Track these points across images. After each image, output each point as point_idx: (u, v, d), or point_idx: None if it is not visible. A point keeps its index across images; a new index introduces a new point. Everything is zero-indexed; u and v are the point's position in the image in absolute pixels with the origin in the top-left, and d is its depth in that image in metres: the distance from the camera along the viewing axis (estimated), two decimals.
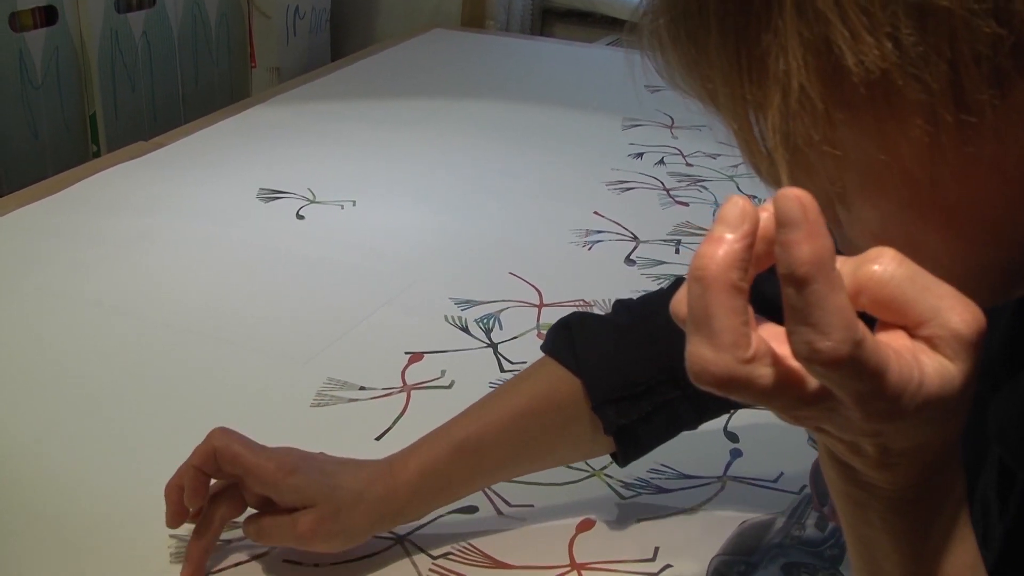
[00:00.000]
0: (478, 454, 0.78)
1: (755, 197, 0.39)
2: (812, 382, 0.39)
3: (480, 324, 1.11)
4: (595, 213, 1.39)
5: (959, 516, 0.45)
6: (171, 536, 0.80)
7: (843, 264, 0.39)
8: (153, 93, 2.13)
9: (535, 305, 1.16)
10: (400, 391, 0.99)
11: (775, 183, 0.46)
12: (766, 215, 0.39)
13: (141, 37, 2.08)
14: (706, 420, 0.81)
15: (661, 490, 0.88)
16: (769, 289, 0.46)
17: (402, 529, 0.82)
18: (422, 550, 0.80)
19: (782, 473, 0.90)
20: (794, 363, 0.38)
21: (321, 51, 2.51)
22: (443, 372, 1.02)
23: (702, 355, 0.38)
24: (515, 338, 1.08)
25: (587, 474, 0.89)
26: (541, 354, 0.82)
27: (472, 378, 1.01)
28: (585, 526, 0.84)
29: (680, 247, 1.30)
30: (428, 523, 0.83)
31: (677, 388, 0.78)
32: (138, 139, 1.63)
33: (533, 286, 1.19)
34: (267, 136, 1.62)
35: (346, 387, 0.99)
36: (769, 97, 0.43)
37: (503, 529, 0.83)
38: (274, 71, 2.33)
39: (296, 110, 1.75)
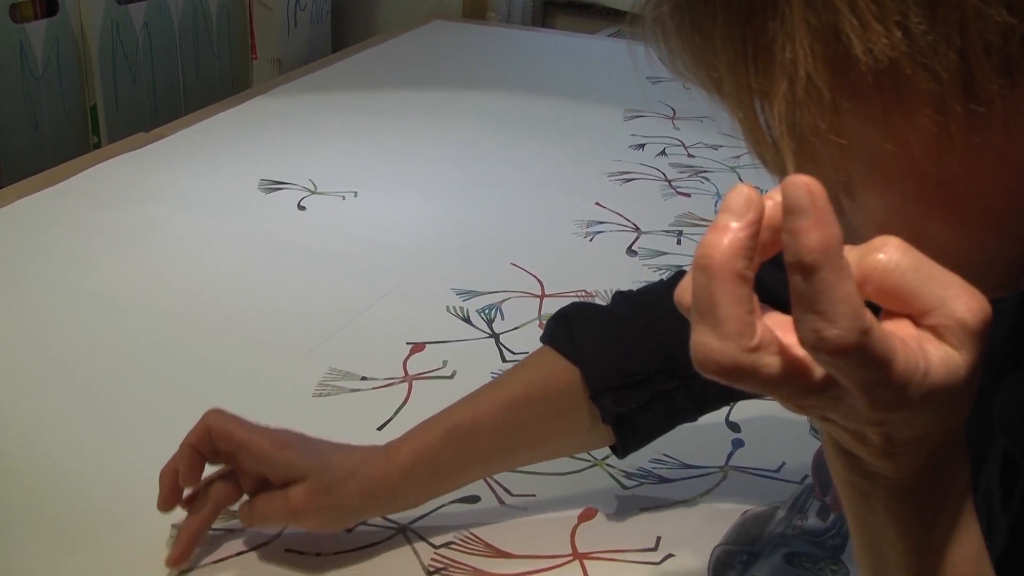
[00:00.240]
0: (471, 439, 0.78)
1: (758, 188, 0.39)
2: (817, 371, 0.39)
3: (482, 314, 1.11)
4: (597, 204, 1.38)
5: (964, 505, 0.45)
6: (172, 526, 0.80)
7: (848, 252, 0.39)
8: (154, 84, 2.12)
9: (537, 296, 1.15)
10: (402, 381, 0.99)
11: (780, 173, 0.46)
12: (771, 203, 0.39)
13: (142, 28, 2.07)
14: (706, 412, 0.81)
15: (663, 480, 0.88)
16: (768, 279, 0.46)
17: (404, 519, 0.82)
18: (424, 539, 0.80)
19: (784, 463, 0.90)
20: (799, 351, 0.38)
21: (322, 42, 2.51)
22: (445, 362, 1.02)
23: (707, 344, 0.38)
24: (517, 328, 1.08)
25: (589, 464, 0.89)
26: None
27: (474, 368, 1.01)
28: (587, 516, 0.84)
29: (682, 238, 1.30)
30: (430, 512, 0.83)
31: (676, 379, 0.77)
32: (139, 130, 1.63)
33: (535, 276, 1.19)
34: (268, 127, 1.62)
35: (348, 377, 0.99)
36: (775, 86, 0.43)
37: (505, 519, 0.83)
38: (275, 62, 2.33)
39: (297, 101, 1.75)
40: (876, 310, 0.38)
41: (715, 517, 0.84)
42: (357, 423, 0.93)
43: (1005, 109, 0.40)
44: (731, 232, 0.38)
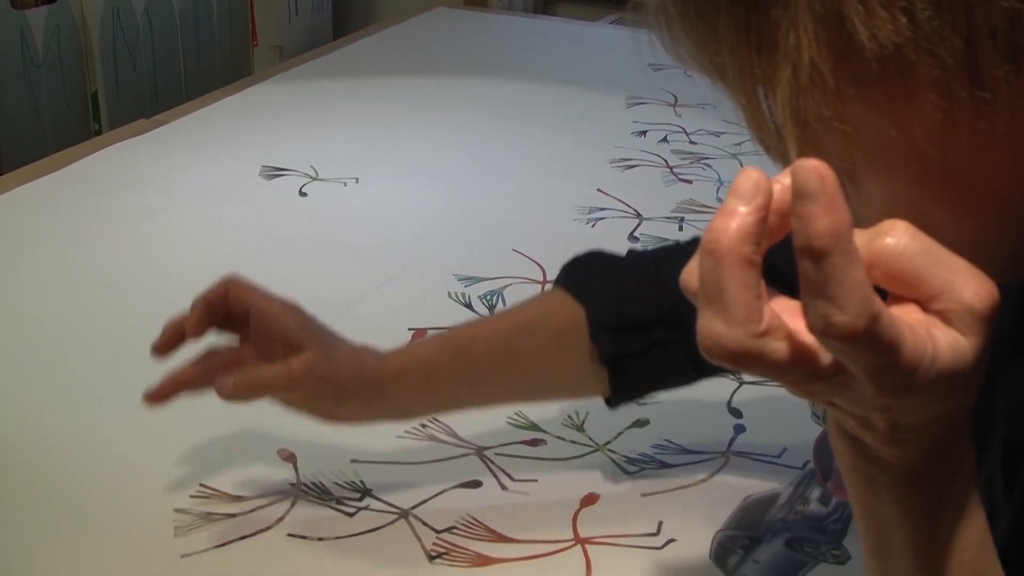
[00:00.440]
0: (466, 354, 0.78)
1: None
2: (825, 356, 0.38)
3: (484, 300, 1.11)
4: (598, 190, 1.38)
5: (969, 491, 0.45)
6: (175, 511, 0.80)
7: (856, 237, 0.39)
8: (155, 71, 2.12)
9: (538, 282, 1.15)
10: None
11: (783, 160, 0.45)
12: (779, 187, 0.39)
13: (143, 15, 2.07)
14: (704, 375, 0.80)
15: (664, 465, 0.88)
16: (776, 261, 0.46)
17: (406, 504, 0.82)
18: (426, 524, 0.80)
19: (785, 448, 0.90)
20: (807, 337, 0.38)
21: (323, 29, 2.50)
22: None
23: (714, 329, 0.38)
24: None
25: (590, 449, 0.89)
26: None
27: None
28: (589, 501, 0.84)
29: (683, 224, 1.29)
30: (432, 498, 0.83)
31: (677, 332, 0.77)
32: (139, 117, 1.63)
33: (536, 263, 1.19)
34: (269, 114, 1.62)
35: None
36: (779, 72, 0.42)
37: (507, 503, 0.83)
38: (276, 49, 2.33)
39: (298, 88, 1.74)
40: (882, 294, 0.38)
41: (717, 502, 0.84)
42: None
43: (1011, 95, 0.40)
44: (739, 216, 0.38)
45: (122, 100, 2.04)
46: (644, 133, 1.59)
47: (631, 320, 0.78)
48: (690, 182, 1.42)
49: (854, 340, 0.36)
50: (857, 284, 0.36)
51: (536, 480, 0.86)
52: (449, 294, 1.12)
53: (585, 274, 0.82)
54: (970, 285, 0.39)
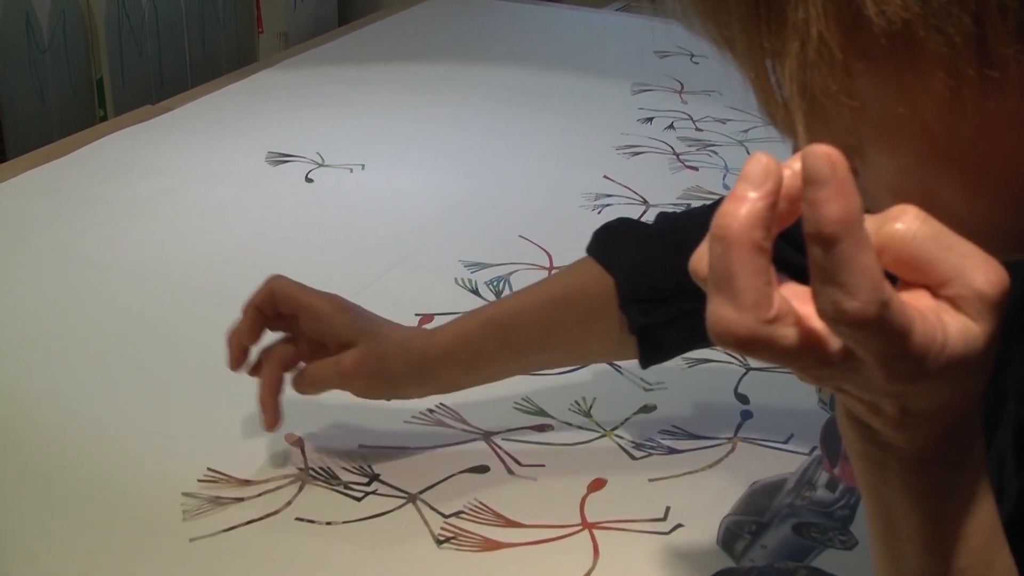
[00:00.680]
0: (507, 329, 0.83)
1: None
2: (835, 342, 0.38)
3: (490, 286, 1.11)
4: (604, 177, 1.38)
5: (978, 477, 0.45)
6: (183, 495, 0.81)
7: (865, 222, 0.39)
8: (160, 58, 2.12)
9: (545, 268, 1.15)
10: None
11: (791, 133, 0.45)
12: (789, 173, 0.39)
13: (148, 1, 2.07)
14: None
15: (672, 451, 0.88)
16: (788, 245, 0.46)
17: (414, 488, 0.82)
18: (434, 508, 0.81)
19: (792, 435, 0.90)
20: (816, 323, 0.38)
21: (328, 16, 2.50)
22: None
23: (724, 315, 0.38)
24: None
25: (598, 435, 0.90)
26: None
27: None
28: (596, 486, 0.84)
29: None
30: (440, 482, 0.83)
31: (702, 299, 0.78)
32: (145, 104, 1.63)
33: (543, 249, 1.19)
34: (275, 100, 1.62)
35: None
36: (787, 46, 0.42)
37: (514, 488, 0.83)
38: (281, 36, 2.33)
39: (304, 75, 1.74)
40: (892, 280, 0.38)
41: (724, 488, 0.84)
42: None
43: (1020, 74, 0.40)
44: (749, 202, 0.38)
45: (127, 86, 2.04)
46: (650, 120, 1.59)
47: (658, 291, 0.81)
48: (696, 169, 1.42)
49: (864, 326, 0.36)
50: (867, 270, 0.36)
51: (543, 465, 0.86)
52: (456, 280, 1.12)
53: (614, 244, 0.84)
54: (981, 270, 0.39)
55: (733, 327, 0.38)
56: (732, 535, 0.79)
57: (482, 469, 0.85)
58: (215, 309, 1.05)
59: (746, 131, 1.54)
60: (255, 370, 0.84)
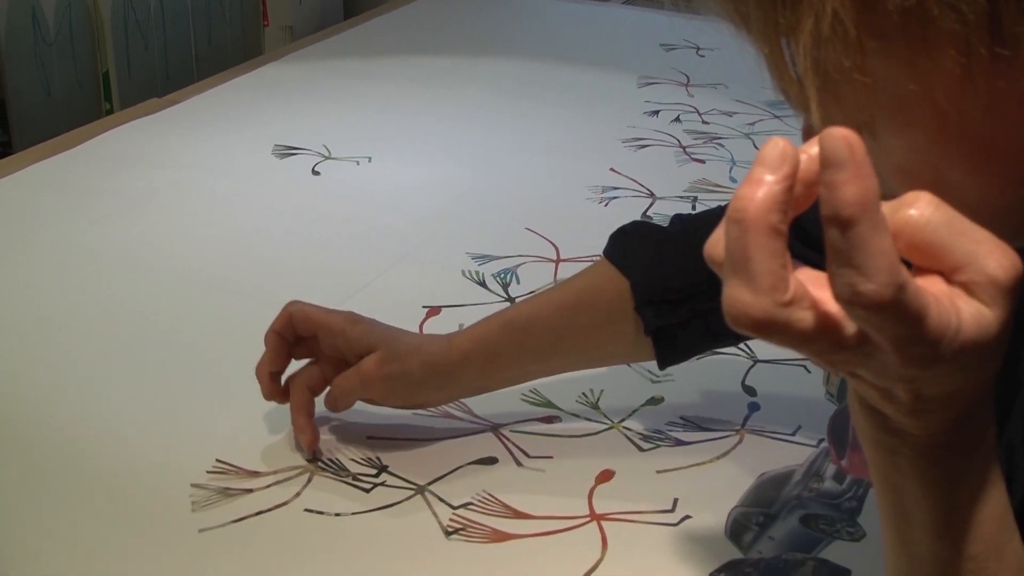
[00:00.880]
0: (526, 332, 0.84)
1: None
2: (850, 326, 0.38)
3: (497, 279, 1.11)
4: (611, 170, 1.38)
5: (990, 463, 0.45)
6: (192, 486, 0.81)
7: None
8: (166, 51, 2.12)
9: (552, 260, 1.15)
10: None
11: (804, 109, 0.45)
12: (805, 157, 0.39)
13: None
14: (747, 338, 0.82)
15: (679, 443, 0.88)
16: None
17: (422, 480, 0.82)
18: (443, 500, 0.81)
19: (799, 426, 0.90)
20: (832, 307, 0.38)
21: (334, 10, 2.50)
22: (461, 326, 1.00)
23: (740, 298, 0.38)
24: (532, 292, 1.08)
25: (606, 427, 0.90)
26: None
27: None
28: (604, 477, 0.84)
29: (696, 204, 1.29)
30: (448, 474, 0.83)
31: (716, 300, 0.78)
32: (151, 97, 1.63)
33: (550, 241, 1.19)
34: (281, 93, 1.62)
35: None
36: (802, 22, 0.42)
37: (523, 480, 0.83)
38: (287, 30, 2.33)
39: (310, 68, 1.74)
40: (905, 266, 0.38)
41: (731, 479, 0.84)
42: None
43: None
44: (766, 185, 0.38)
45: (133, 80, 2.05)
46: (656, 113, 1.59)
47: (673, 292, 0.81)
48: (703, 162, 1.42)
49: (881, 309, 0.36)
50: (884, 253, 0.36)
51: (551, 457, 0.86)
52: (463, 272, 1.12)
53: (629, 246, 0.85)
54: (994, 256, 0.39)
55: (749, 310, 0.38)
56: (740, 526, 0.79)
57: (490, 461, 0.85)
58: (223, 302, 1.05)
59: (752, 124, 1.54)
60: (284, 396, 0.85)
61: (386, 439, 0.87)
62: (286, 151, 1.41)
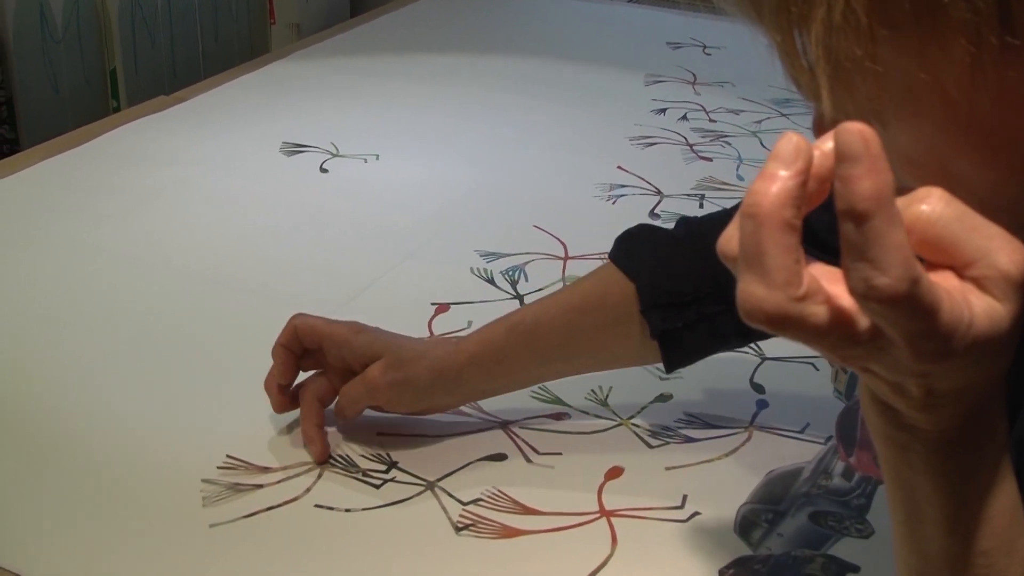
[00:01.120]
0: (532, 335, 0.84)
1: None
2: (863, 321, 0.39)
3: (506, 276, 1.11)
4: (618, 167, 1.38)
5: (1001, 459, 0.46)
6: (203, 481, 0.81)
7: None
8: (173, 49, 2.12)
9: (560, 258, 1.16)
10: (438, 336, 0.99)
11: (815, 98, 0.46)
12: (818, 153, 0.39)
13: None
14: (753, 339, 0.85)
15: (688, 440, 0.88)
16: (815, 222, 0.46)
17: (432, 476, 0.83)
18: (452, 496, 0.81)
19: (808, 424, 0.91)
20: (845, 302, 0.38)
21: (340, 7, 2.50)
22: (470, 323, 1.02)
23: (754, 293, 0.38)
24: (541, 290, 1.08)
25: (614, 423, 0.90)
26: None
27: None
28: (614, 474, 0.84)
29: (704, 202, 1.29)
30: (458, 470, 0.83)
31: (722, 302, 0.80)
32: (158, 95, 1.63)
33: (558, 239, 1.20)
34: (289, 91, 1.62)
35: None
36: (814, 10, 0.42)
37: (532, 476, 0.84)
38: (293, 27, 2.33)
39: (317, 65, 1.74)
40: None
41: (740, 476, 0.84)
42: None
43: None
44: (780, 180, 0.38)
45: (140, 77, 2.05)
46: (663, 111, 1.59)
47: (679, 296, 0.81)
48: (710, 159, 1.42)
49: (895, 303, 0.36)
50: (898, 247, 0.36)
51: (561, 453, 0.86)
52: (471, 269, 1.12)
53: (635, 250, 0.85)
54: (1005, 251, 0.39)
55: (763, 304, 0.38)
56: (749, 523, 0.80)
57: (500, 457, 0.85)
58: (231, 299, 1.05)
59: (759, 122, 1.54)
60: (294, 408, 0.86)
61: (396, 435, 0.87)
62: (294, 148, 1.41)
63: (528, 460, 0.85)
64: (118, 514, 0.78)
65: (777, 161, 0.38)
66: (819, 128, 0.48)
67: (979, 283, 0.39)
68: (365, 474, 0.83)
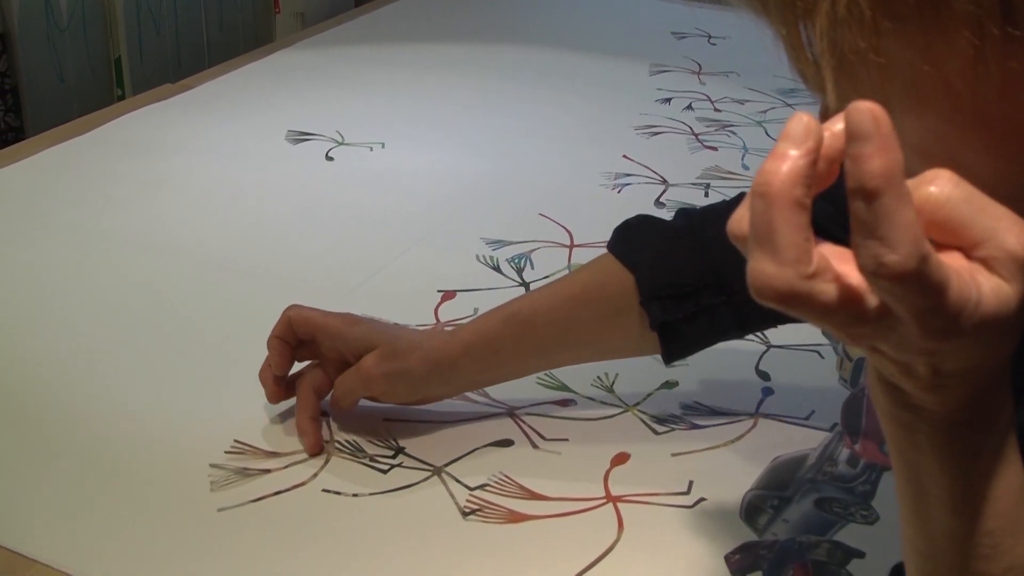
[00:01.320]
0: (528, 325, 0.84)
1: None
2: (872, 299, 0.39)
3: (512, 264, 1.12)
4: (624, 157, 1.38)
5: (1007, 439, 0.46)
6: (211, 466, 0.81)
7: None
8: (177, 38, 2.12)
9: (566, 246, 1.16)
10: (433, 327, 1.00)
11: (820, 91, 0.46)
12: (828, 134, 0.40)
13: None
14: (751, 331, 0.85)
15: (694, 426, 0.89)
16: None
17: (439, 461, 0.83)
18: (459, 481, 0.81)
19: (813, 411, 0.91)
20: (854, 280, 0.39)
21: None
22: (476, 310, 1.02)
23: (764, 270, 0.39)
24: (546, 277, 1.08)
25: (620, 410, 0.90)
26: None
27: None
28: (620, 460, 0.84)
29: (709, 191, 1.30)
30: (464, 456, 0.84)
31: (721, 294, 0.81)
32: (162, 83, 1.63)
33: (564, 227, 1.20)
34: (294, 80, 1.62)
35: None
36: (819, 4, 0.42)
37: (539, 462, 0.84)
38: (298, 16, 2.33)
39: (322, 54, 1.74)
40: None
41: (746, 463, 0.85)
42: None
43: None
44: (790, 159, 0.38)
45: (145, 66, 2.05)
46: (669, 101, 1.59)
47: (679, 287, 0.81)
48: (715, 149, 1.42)
49: (904, 280, 0.37)
50: (908, 224, 0.36)
51: (567, 439, 0.86)
52: (477, 257, 1.13)
53: (634, 240, 0.84)
54: (1013, 232, 0.39)
55: (773, 282, 0.38)
56: (755, 509, 0.80)
57: (506, 443, 0.86)
58: (237, 286, 1.06)
59: (764, 112, 1.54)
60: (288, 395, 0.86)
61: (403, 421, 0.87)
62: (299, 137, 1.41)
63: (535, 446, 0.86)
64: (127, 498, 0.78)
65: (788, 141, 0.38)
66: (825, 120, 0.48)
67: (987, 263, 0.40)
68: (372, 459, 0.83)
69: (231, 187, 1.27)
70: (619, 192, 1.29)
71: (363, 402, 0.87)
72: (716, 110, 1.56)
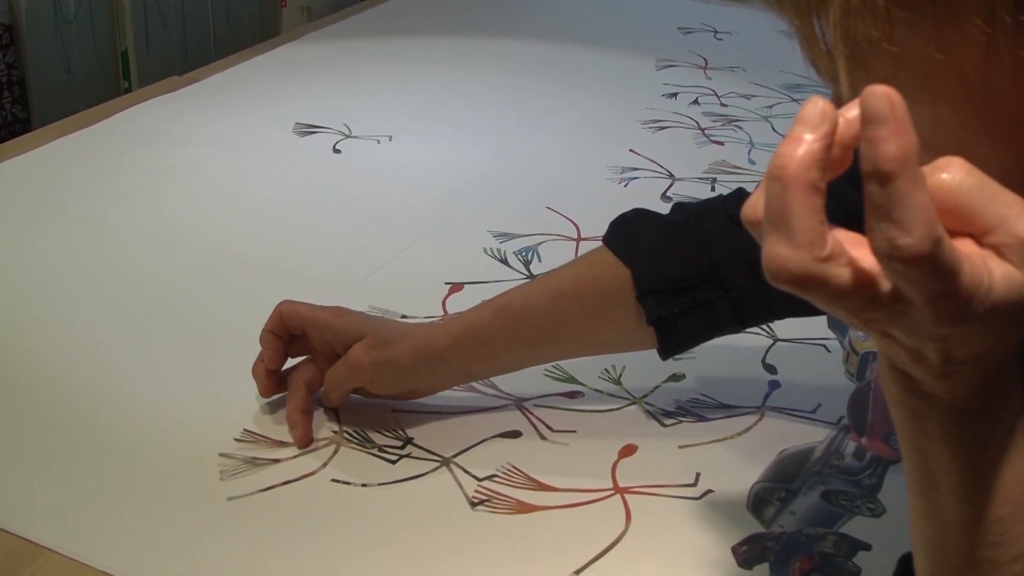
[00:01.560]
0: (519, 319, 0.83)
1: None
2: (885, 284, 0.39)
3: (519, 256, 1.12)
4: (630, 151, 1.39)
5: (1016, 427, 0.46)
6: (220, 455, 0.82)
7: None
8: (184, 30, 2.13)
9: (573, 239, 1.16)
10: (441, 319, 1.00)
11: (833, 80, 0.46)
12: (842, 120, 0.40)
13: None
14: (749, 325, 0.84)
15: (701, 419, 0.89)
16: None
17: (447, 452, 0.83)
18: (468, 472, 0.81)
19: (820, 404, 0.91)
20: (868, 264, 0.39)
21: None
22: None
23: (779, 253, 0.39)
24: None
25: (628, 402, 0.90)
26: None
27: None
28: (627, 451, 0.85)
29: (716, 185, 1.30)
30: (473, 447, 0.84)
31: (719, 288, 0.80)
32: (169, 76, 1.63)
33: (571, 220, 1.20)
34: (301, 72, 1.62)
35: (388, 315, 1.00)
36: None
37: (547, 453, 0.84)
38: (305, 10, 2.33)
39: (329, 47, 1.75)
40: None
41: (753, 455, 0.85)
42: None
43: None
44: (806, 143, 0.38)
45: (152, 59, 2.05)
46: (675, 95, 1.59)
47: (676, 281, 0.81)
48: (722, 143, 1.42)
49: (918, 263, 0.37)
50: (922, 208, 0.37)
51: (575, 431, 0.87)
52: (485, 250, 1.13)
53: (631, 234, 0.84)
54: None
55: (788, 264, 0.39)
56: (761, 501, 0.80)
57: (514, 434, 0.86)
58: (244, 277, 1.06)
59: (771, 107, 1.54)
60: (280, 389, 0.87)
61: (411, 412, 0.87)
62: (307, 129, 1.41)
63: (543, 437, 0.86)
64: (137, 487, 0.79)
65: (803, 125, 0.39)
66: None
67: (998, 250, 0.40)
68: (381, 450, 0.83)
69: (238, 179, 1.27)
70: (626, 186, 1.29)
71: (359, 397, 0.87)
72: (722, 105, 1.56)
